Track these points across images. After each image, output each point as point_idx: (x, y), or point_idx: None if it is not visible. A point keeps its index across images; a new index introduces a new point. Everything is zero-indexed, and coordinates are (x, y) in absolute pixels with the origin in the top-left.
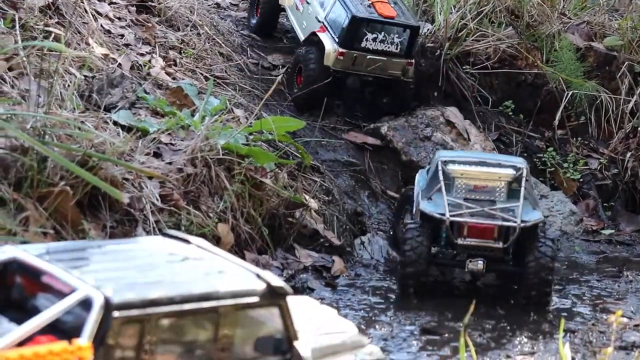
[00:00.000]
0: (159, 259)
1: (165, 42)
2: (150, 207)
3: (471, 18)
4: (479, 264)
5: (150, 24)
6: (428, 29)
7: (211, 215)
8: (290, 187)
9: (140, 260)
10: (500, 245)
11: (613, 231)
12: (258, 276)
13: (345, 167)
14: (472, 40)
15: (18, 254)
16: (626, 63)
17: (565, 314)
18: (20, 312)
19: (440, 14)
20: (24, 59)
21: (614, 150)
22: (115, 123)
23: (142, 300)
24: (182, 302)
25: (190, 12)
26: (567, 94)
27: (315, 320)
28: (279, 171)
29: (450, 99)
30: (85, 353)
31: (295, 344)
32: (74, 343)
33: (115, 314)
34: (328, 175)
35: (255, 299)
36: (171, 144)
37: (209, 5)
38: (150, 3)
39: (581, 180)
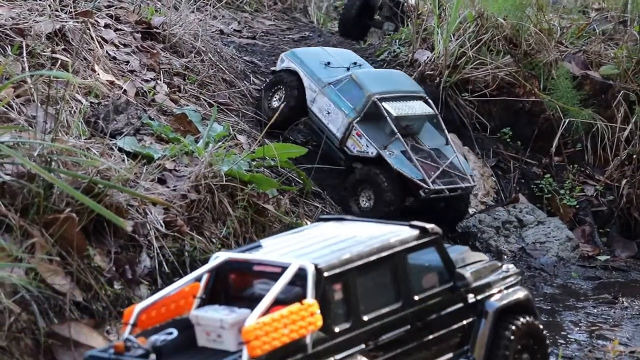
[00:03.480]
0: (333, 233)
1: (169, 68)
2: (155, 233)
3: (470, 46)
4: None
5: (154, 51)
6: (428, 57)
7: (214, 240)
8: (292, 213)
9: (319, 237)
10: (448, 194)
11: (609, 257)
12: (411, 225)
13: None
14: (471, 68)
15: (228, 256)
16: (622, 92)
17: (562, 341)
18: (241, 302)
19: (439, 42)
20: (31, 86)
21: (609, 177)
22: (120, 149)
23: (340, 260)
24: (368, 256)
25: (194, 38)
26: (564, 121)
27: (455, 255)
28: (282, 197)
29: (449, 125)
30: (314, 308)
31: (457, 271)
32: (304, 303)
33: (326, 274)
34: (329, 200)
35: (417, 242)
36: (175, 170)
37: (212, 32)
38: (155, 30)
39: (577, 206)
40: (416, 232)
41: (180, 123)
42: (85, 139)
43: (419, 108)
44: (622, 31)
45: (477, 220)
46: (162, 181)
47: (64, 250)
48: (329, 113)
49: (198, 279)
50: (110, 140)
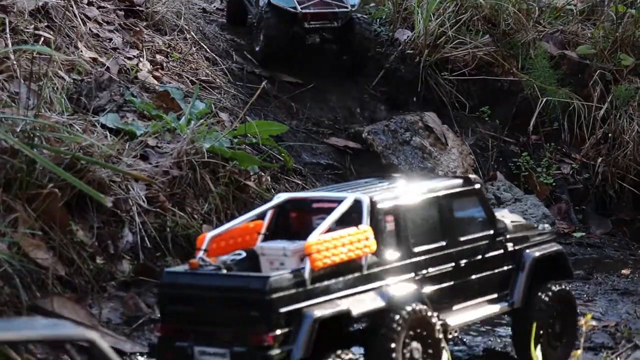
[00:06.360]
0: (384, 182)
1: (152, 46)
2: (137, 209)
3: (450, 26)
4: (316, 39)
5: (137, 28)
6: (408, 36)
7: (196, 216)
8: (273, 190)
9: (372, 183)
10: (335, 24)
11: (584, 234)
12: (455, 175)
13: (326, 170)
14: (451, 47)
15: (290, 196)
16: (598, 71)
17: None
18: (301, 238)
19: (420, 21)
20: (14, 62)
21: (585, 156)
22: (103, 126)
23: (392, 195)
24: (417, 195)
25: (177, 16)
26: (542, 100)
27: (496, 212)
28: (263, 174)
29: (429, 104)
30: (369, 233)
31: (497, 219)
32: (360, 227)
33: (379, 206)
34: (310, 178)
35: (460, 189)
36: (158, 146)
37: (195, 10)
38: (137, 8)
39: (554, 184)
40: (460, 180)
41: (162, 100)
42: (68, 116)
43: None
44: (599, 11)
45: None
46: (144, 157)
47: (46, 225)
48: None
49: (261, 217)
50: (93, 117)
